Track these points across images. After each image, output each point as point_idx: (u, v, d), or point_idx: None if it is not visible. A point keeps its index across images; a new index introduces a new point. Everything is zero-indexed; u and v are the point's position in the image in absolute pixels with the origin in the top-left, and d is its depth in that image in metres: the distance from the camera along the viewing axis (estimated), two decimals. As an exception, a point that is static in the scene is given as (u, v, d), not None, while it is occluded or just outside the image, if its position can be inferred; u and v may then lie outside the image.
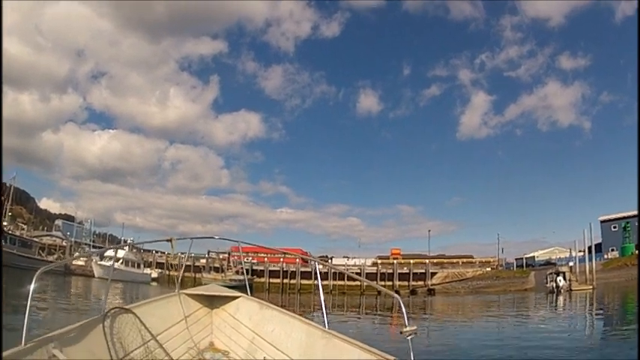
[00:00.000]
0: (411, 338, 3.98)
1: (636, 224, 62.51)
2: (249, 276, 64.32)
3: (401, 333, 4.05)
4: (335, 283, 65.37)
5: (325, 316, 5.42)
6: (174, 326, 6.05)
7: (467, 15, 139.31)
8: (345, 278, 64.38)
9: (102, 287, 37.79)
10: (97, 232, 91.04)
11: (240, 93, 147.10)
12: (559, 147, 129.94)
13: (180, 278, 8.61)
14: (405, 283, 65.97)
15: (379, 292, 59.36)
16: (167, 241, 7.92)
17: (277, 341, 5.78)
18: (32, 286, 4.15)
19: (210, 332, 6.62)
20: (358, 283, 61.25)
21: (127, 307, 5.47)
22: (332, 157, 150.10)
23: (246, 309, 6.68)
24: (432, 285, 65.08)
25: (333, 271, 65.33)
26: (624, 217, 65.16)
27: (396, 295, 5.02)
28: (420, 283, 66.82)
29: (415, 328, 4.04)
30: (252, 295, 7.14)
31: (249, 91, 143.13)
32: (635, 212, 63.96)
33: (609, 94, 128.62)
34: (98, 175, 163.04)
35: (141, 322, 5.33)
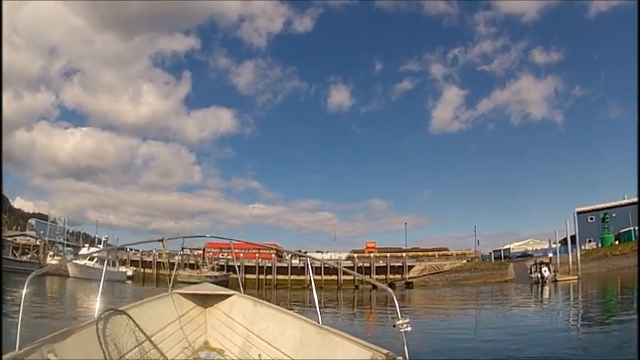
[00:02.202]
0: (404, 331, 4.03)
1: (614, 215, 63.06)
2: (225, 272, 63.94)
3: (394, 327, 4.10)
4: (311, 277, 63.82)
5: (319, 311, 5.40)
6: (168, 326, 5.99)
7: (440, 10, 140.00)
8: (322, 273, 63.12)
9: (78, 287, 37.43)
10: (71, 231, 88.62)
11: (212, 89, 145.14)
12: (531, 140, 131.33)
13: (172, 278, 8.22)
14: (383, 276, 64.63)
15: (356, 287, 59.44)
16: (159, 241, 8.59)
17: (272, 338, 5.78)
18: (24, 290, 4.39)
19: (205, 331, 6.60)
20: (335, 277, 60.42)
21: (120, 308, 5.37)
22: (303, 153, 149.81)
23: (239, 307, 6.66)
24: (409, 278, 64.28)
25: (311, 265, 63.77)
26: (602, 209, 65.38)
27: (389, 289, 5.15)
28: (398, 276, 65.97)
29: (408, 321, 4.08)
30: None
31: (220, 87, 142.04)
32: (613, 204, 64.88)
33: (582, 88, 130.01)
34: (71, 173, 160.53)
35: (135, 323, 5.25)
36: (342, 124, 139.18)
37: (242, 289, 7.06)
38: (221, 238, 11.36)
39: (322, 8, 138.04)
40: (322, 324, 5.26)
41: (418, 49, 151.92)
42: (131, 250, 72.01)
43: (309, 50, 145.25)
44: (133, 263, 70.21)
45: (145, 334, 5.32)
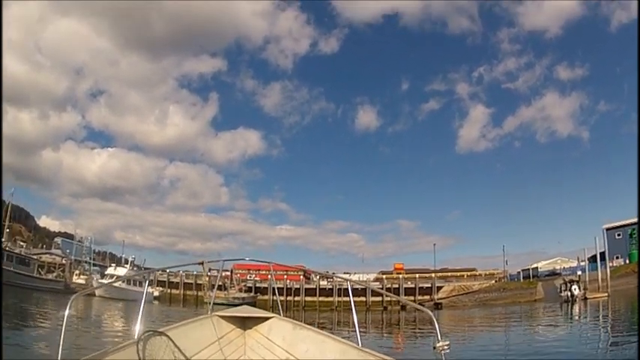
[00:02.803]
0: (445, 353, 4.05)
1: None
2: (252, 293, 64.52)
3: (434, 348, 4.10)
4: (339, 299, 65.64)
5: (358, 333, 5.46)
6: (207, 348, 6.06)
7: (464, 29, 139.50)
8: (350, 294, 62.68)
9: (105, 307, 38.03)
10: (97, 250, 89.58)
11: (239, 110, 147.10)
12: (558, 157, 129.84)
13: (212, 300, 8.49)
14: (412, 297, 64.58)
15: (385, 308, 59.76)
16: (199, 264, 8.70)
17: None
18: (67, 311, 4.57)
19: (244, 353, 6.62)
20: (363, 299, 60.83)
21: (160, 330, 5.46)
22: (331, 174, 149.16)
23: (279, 329, 6.66)
24: (438, 299, 64.14)
25: (338, 287, 65.98)
26: (629, 224, 64.68)
27: (426, 310, 5.27)
28: (427, 297, 65.79)
29: (448, 342, 4.08)
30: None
31: (247, 109, 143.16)
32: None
33: (606, 103, 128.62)
34: (97, 193, 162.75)
35: (175, 344, 5.32)
36: (369, 144, 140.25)
37: (281, 312, 7.15)
38: (259, 260, 11.46)
39: (347, 29, 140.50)
40: (362, 346, 5.29)
41: (443, 68, 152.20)
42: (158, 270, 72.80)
43: (335, 71, 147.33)
44: (160, 284, 70.46)
45: (184, 355, 5.41)
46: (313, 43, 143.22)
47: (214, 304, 8.03)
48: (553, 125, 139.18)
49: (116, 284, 51.20)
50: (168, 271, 69.61)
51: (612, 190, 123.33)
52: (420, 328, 33.64)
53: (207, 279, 58.34)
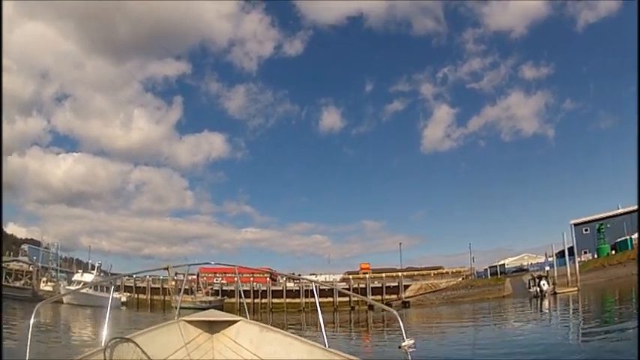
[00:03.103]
0: (411, 352, 4.16)
1: (609, 226, 62.83)
2: (220, 297, 64.01)
3: (399, 347, 4.21)
4: (307, 300, 64.93)
5: (325, 334, 5.52)
6: (175, 353, 6.00)
7: (429, 29, 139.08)
8: (316, 296, 61.90)
9: (72, 314, 37.54)
10: (64, 257, 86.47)
11: (204, 114, 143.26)
12: (523, 156, 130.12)
13: (179, 305, 8.41)
14: (379, 297, 63.60)
15: (352, 308, 58.81)
16: (164, 269, 8.96)
17: None
18: (32, 320, 4.58)
19: (212, 357, 6.54)
20: (330, 299, 59.88)
21: (127, 336, 5.33)
22: (295, 176, 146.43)
23: (246, 332, 6.64)
24: (405, 298, 63.23)
25: (304, 288, 65.46)
26: (596, 220, 65.10)
27: (393, 311, 5.40)
28: (394, 296, 64.90)
29: (413, 341, 4.21)
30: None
31: (212, 112, 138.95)
32: (607, 214, 64.79)
33: (572, 101, 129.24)
34: (63, 199, 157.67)
35: (142, 351, 5.22)
36: (333, 146, 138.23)
37: (247, 315, 7.14)
38: (225, 264, 11.20)
39: (312, 30, 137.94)
40: (328, 347, 5.30)
41: (408, 69, 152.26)
42: (124, 275, 71.59)
43: (299, 73, 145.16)
44: (127, 289, 69.45)
45: None
46: (278, 46, 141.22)
47: (181, 308, 8.03)
48: (518, 124, 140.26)
49: (83, 290, 50.54)
50: (135, 276, 67.88)
51: (577, 187, 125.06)
52: (387, 328, 33.20)
53: (173, 284, 57.98)
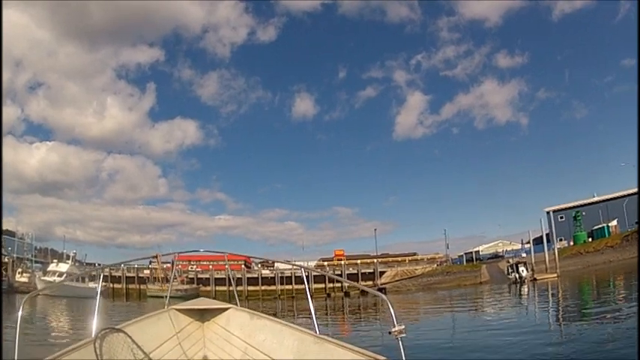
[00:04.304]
0: (401, 337, 4.08)
1: (584, 214, 63.28)
2: (195, 285, 63.71)
3: (390, 333, 4.16)
4: (282, 287, 65.12)
5: (315, 321, 5.48)
6: (166, 342, 5.88)
7: (403, 17, 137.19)
8: (293, 282, 64.19)
9: (49, 305, 36.93)
10: (38, 247, 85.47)
11: (177, 100, 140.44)
12: (496, 143, 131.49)
13: (168, 294, 8.05)
14: (354, 283, 63.07)
15: (328, 295, 58.27)
16: (153, 257, 11.08)
17: (270, 350, 5.74)
18: (20, 312, 4.56)
19: (203, 346, 6.50)
20: (304, 286, 58.83)
21: (117, 327, 5.23)
22: (268, 162, 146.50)
23: (236, 320, 6.64)
24: (382, 284, 62.63)
25: (280, 275, 66.12)
26: (573, 207, 65.58)
27: (382, 295, 5.30)
28: (369, 282, 64.47)
29: (403, 327, 4.14)
30: None
31: (185, 99, 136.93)
32: (583, 202, 65.37)
33: (546, 90, 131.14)
34: (37, 188, 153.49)
35: (132, 341, 5.14)
36: (306, 132, 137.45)
37: (237, 302, 7.08)
38: (215, 251, 11.06)
39: (286, 17, 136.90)
40: (319, 333, 5.27)
41: (381, 55, 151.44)
42: (99, 264, 70.29)
43: (272, 60, 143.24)
44: (103, 278, 67.16)
45: (143, 351, 5.27)
46: (251, 32, 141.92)
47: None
48: (491, 112, 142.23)
49: (59, 280, 50.76)
50: (123, 266, 67.14)
51: (551, 176, 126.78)
52: (365, 312, 34.51)
53: (159, 272, 59.36)
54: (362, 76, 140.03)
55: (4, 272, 59.73)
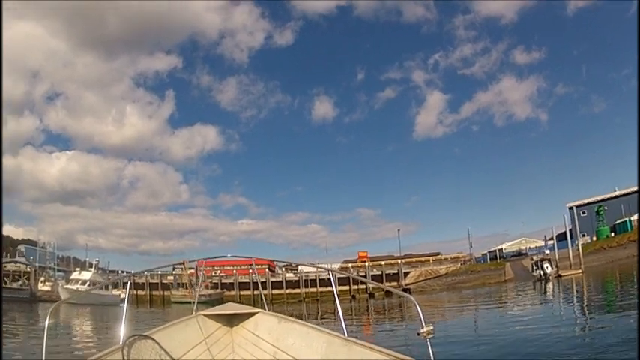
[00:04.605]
0: (430, 338, 4.08)
1: (606, 208, 63.23)
2: (219, 290, 64.17)
3: (418, 334, 4.12)
4: (307, 290, 65.63)
5: (343, 323, 5.48)
6: (194, 348, 5.99)
7: (419, 17, 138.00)
8: (318, 285, 64.77)
9: (73, 313, 36.56)
10: (61, 256, 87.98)
11: (196, 107, 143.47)
12: (516, 140, 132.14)
13: (196, 300, 8.49)
14: (380, 284, 63.72)
15: (353, 297, 58.76)
16: (181, 264, 12.10)
17: (299, 353, 5.81)
18: (47, 321, 4.64)
19: (232, 350, 6.58)
20: (330, 289, 59.35)
21: (145, 333, 5.31)
22: (289, 166, 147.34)
23: (265, 324, 6.68)
24: (406, 285, 63.07)
25: (304, 278, 66.69)
26: (594, 202, 65.53)
27: (409, 296, 5.16)
28: (394, 283, 65.06)
29: (432, 328, 4.10)
30: None
31: (204, 105, 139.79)
32: (604, 197, 65.29)
33: (564, 85, 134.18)
34: (58, 197, 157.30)
35: (161, 347, 5.21)
36: (326, 135, 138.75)
37: (265, 306, 7.12)
38: (242, 256, 11.59)
39: (302, 21, 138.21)
40: (347, 335, 5.28)
41: (399, 56, 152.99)
42: (122, 272, 72.08)
43: (290, 63, 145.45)
44: (124, 285, 68.16)
45: (171, 357, 5.28)
46: (268, 37, 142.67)
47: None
48: (510, 109, 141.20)
49: (82, 288, 51.04)
50: (147, 273, 67.57)
51: (571, 171, 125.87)
52: (391, 314, 34.33)
53: (187, 278, 59.52)
54: (380, 78, 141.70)
55: (26, 281, 61.06)
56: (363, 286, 63.39)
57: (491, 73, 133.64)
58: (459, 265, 71.71)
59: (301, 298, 63.41)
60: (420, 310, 4.17)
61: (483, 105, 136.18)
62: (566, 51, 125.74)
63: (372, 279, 67.01)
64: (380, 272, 69.58)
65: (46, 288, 57.37)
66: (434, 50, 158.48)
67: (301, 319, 6.75)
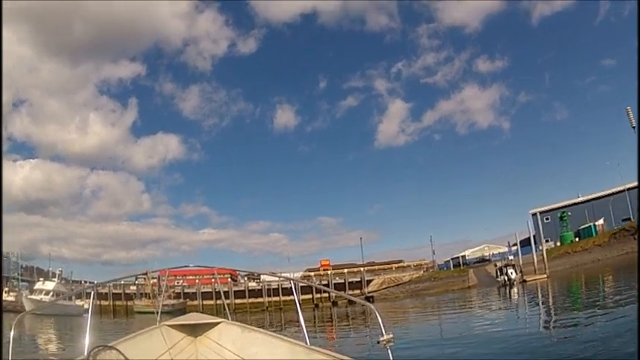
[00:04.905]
0: (389, 346, 4.17)
1: (569, 214, 63.22)
2: (182, 299, 63.65)
3: (378, 343, 4.23)
4: (269, 299, 64.64)
5: (306, 332, 5.57)
6: (158, 359, 5.85)
7: (383, 26, 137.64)
8: (280, 294, 63.65)
9: (37, 324, 35.64)
10: (24, 266, 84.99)
11: (159, 115, 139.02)
12: (479, 148, 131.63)
13: (159, 310, 7.72)
14: (342, 293, 62.14)
15: (316, 305, 57.41)
16: (144, 274, 9.85)
17: None
18: (12, 333, 4.52)
19: None
20: (293, 298, 57.96)
21: (110, 344, 5.15)
22: (251, 175, 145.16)
23: (228, 334, 6.54)
24: (369, 292, 62.29)
25: (267, 287, 65.78)
26: (557, 208, 65.58)
27: (369, 305, 5.42)
28: (357, 291, 63.97)
29: (392, 336, 4.20)
30: None
31: (167, 113, 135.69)
32: (568, 202, 65.48)
33: (527, 93, 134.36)
34: (22, 207, 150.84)
35: (125, 358, 5.05)
36: (288, 143, 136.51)
37: (229, 316, 7.07)
38: (204, 266, 11.10)
39: (266, 29, 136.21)
40: (310, 344, 5.36)
41: (362, 65, 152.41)
42: (85, 282, 70.73)
43: (253, 71, 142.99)
44: (88, 296, 66.72)
45: None
46: (232, 44, 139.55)
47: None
48: (473, 117, 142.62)
49: (46, 299, 51.35)
50: (112, 283, 67.16)
51: (534, 178, 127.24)
52: (354, 322, 34.15)
53: (150, 288, 57.10)
54: (343, 86, 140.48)
55: None
56: (326, 295, 62.32)
57: (453, 82, 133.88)
58: (422, 272, 70.95)
59: (264, 308, 62.26)
60: (380, 319, 4.32)
61: (445, 113, 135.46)
62: (530, 59, 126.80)
63: (335, 287, 65.70)
64: (343, 280, 68.43)
65: (10, 298, 55.78)
66: (397, 59, 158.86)
67: (264, 328, 6.78)
